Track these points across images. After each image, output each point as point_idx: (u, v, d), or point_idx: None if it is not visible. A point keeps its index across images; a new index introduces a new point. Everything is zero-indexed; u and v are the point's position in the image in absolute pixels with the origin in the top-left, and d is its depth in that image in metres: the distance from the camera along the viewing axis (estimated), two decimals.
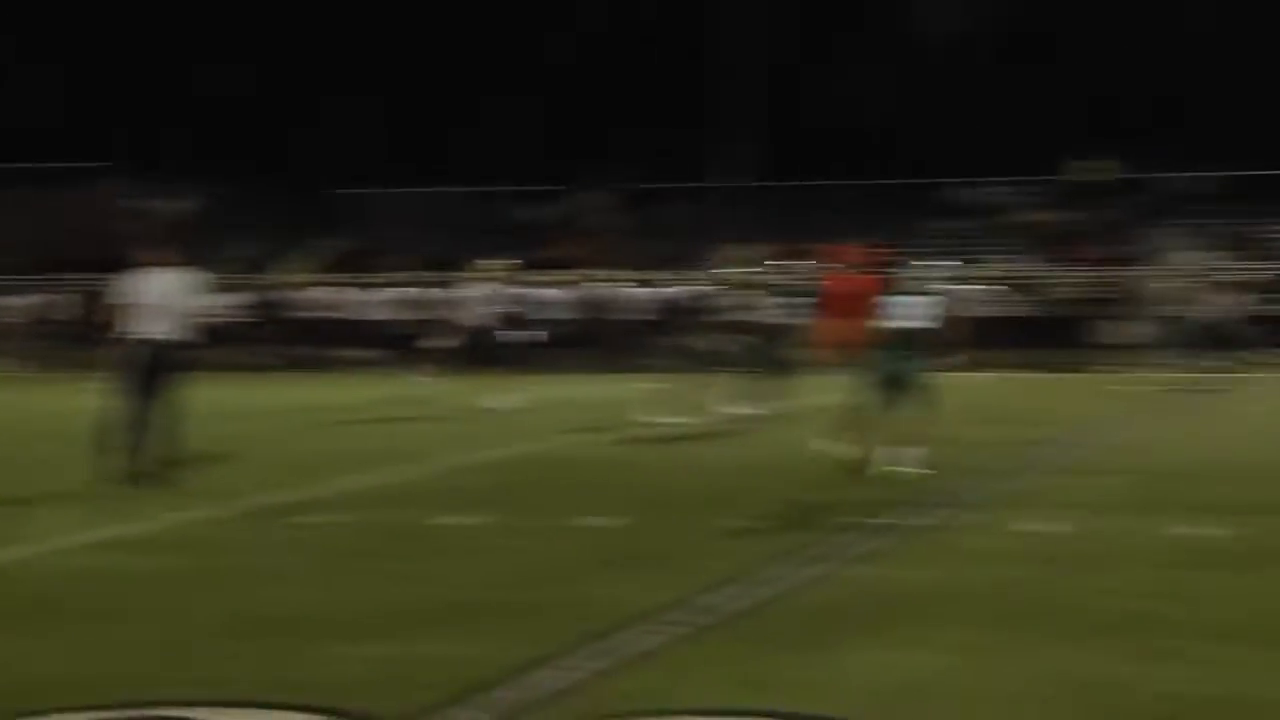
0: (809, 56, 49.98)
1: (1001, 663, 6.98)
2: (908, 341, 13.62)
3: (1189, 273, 35.78)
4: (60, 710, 6.20)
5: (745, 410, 19.59)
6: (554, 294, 36.04)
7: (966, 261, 35.74)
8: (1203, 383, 27.12)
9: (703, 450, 17.17)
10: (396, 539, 10.86)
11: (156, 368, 13.48)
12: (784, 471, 14.71)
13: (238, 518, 11.94)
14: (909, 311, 13.60)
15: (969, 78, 51.34)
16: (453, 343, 24.06)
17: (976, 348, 16.82)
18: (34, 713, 6.11)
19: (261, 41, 48.69)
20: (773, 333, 20.18)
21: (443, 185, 46.95)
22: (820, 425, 15.15)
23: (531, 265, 33.65)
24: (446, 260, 34.80)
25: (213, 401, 17.38)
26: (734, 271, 22.77)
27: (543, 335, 30.34)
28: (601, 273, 38.26)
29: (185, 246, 14.98)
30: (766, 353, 19.88)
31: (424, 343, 25.84)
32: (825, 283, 15.54)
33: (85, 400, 15.50)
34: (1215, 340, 31.57)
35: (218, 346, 23.58)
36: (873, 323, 13.74)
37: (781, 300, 21.21)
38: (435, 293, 31.16)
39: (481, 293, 24.33)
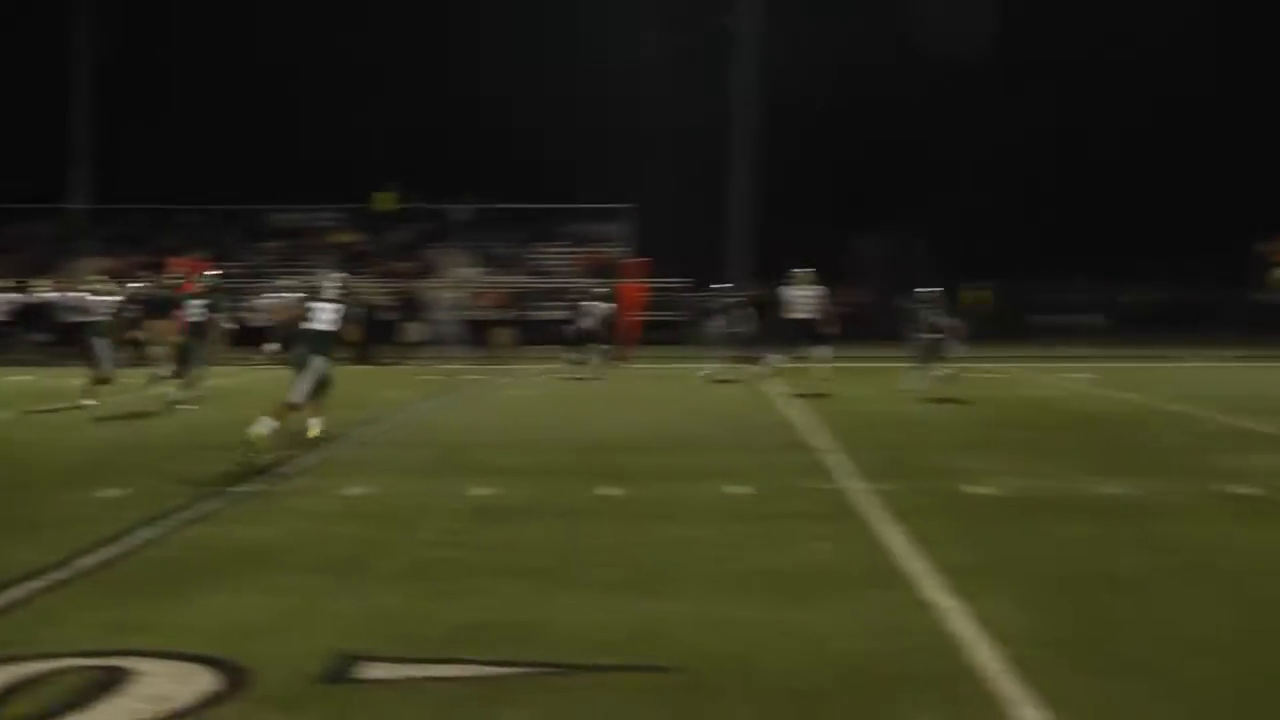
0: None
1: (327, 602, 8.31)
2: (321, 340, 16.09)
3: (461, 283, 42.47)
4: None
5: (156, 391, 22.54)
6: None
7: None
8: (475, 372, 31.57)
9: (94, 430, 18.93)
10: None
11: None
12: (163, 447, 16.34)
13: None
14: (323, 316, 16.06)
15: (291, 112, 57.61)
16: None
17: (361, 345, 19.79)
18: None
19: None
20: (196, 330, 23.13)
21: None
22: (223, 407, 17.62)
23: None
24: None
25: None
26: (98, 281, 25.32)
27: None
28: None
29: None
30: (194, 348, 22.98)
31: None
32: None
33: None
34: (476, 338, 37.54)
35: None
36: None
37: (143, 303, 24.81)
38: None
39: None
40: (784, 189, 58.54)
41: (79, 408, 21.59)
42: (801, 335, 26.65)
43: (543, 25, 60.81)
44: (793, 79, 58.12)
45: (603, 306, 33.22)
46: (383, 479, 13.59)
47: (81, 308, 23.98)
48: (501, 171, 57.44)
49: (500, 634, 7.60)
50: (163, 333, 23.69)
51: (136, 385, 23.25)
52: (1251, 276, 58.67)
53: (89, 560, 9.53)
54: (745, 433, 18.31)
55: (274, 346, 17.31)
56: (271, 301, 36.96)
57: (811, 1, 59.02)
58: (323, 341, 16.13)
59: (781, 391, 25.28)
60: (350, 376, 27.48)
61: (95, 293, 23.60)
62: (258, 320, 35.34)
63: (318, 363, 16.08)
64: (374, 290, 39.40)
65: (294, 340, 16.21)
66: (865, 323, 45.63)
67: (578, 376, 30.30)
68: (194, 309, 23.31)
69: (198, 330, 23.14)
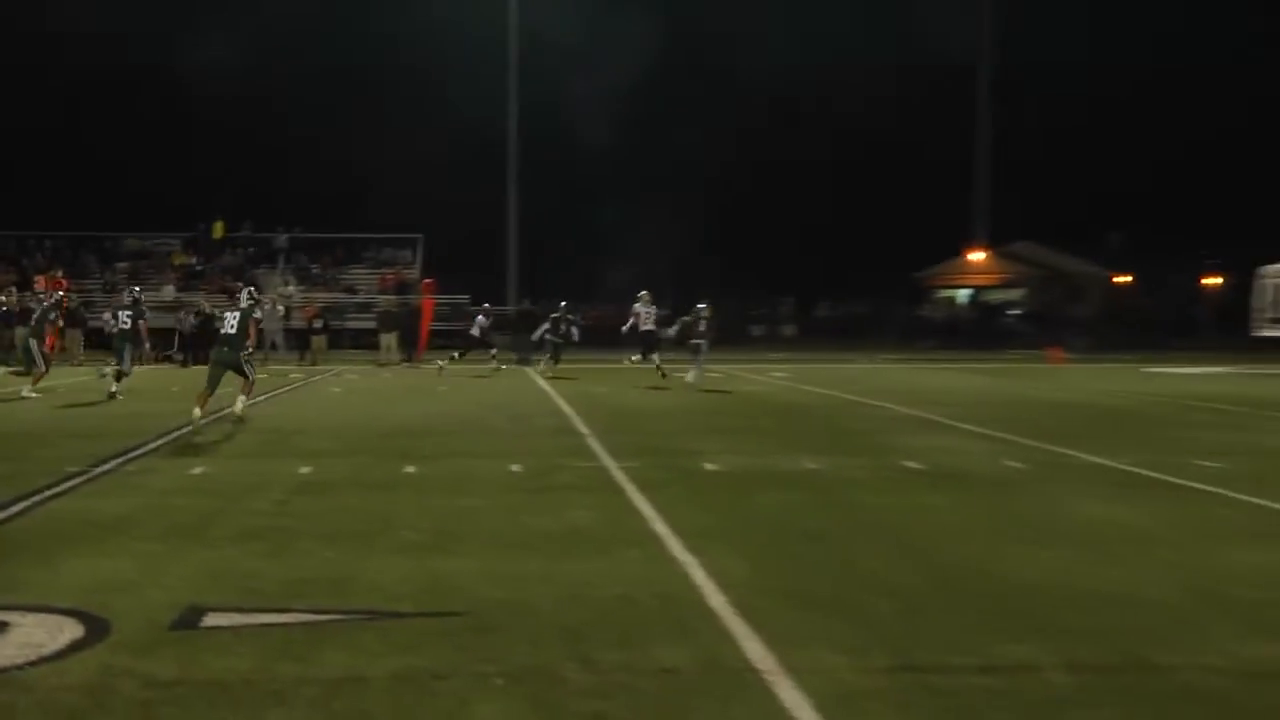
0: None
1: (175, 563, 8.14)
2: (228, 341, 16.88)
3: (283, 298, 41.68)
4: None
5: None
6: None
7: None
8: (297, 372, 31.06)
9: None
10: None
11: None
12: (28, 435, 15.71)
13: None
14: (231, 321, 17.00)
15: (135, 152, 56.85)
16: None
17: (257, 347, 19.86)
18: None
19: None
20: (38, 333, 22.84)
21: None
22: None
23: None
24: None
25: None
26: None
27: None
28: None
29: None
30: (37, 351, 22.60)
31: None
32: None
33: None
34: (297, 344, 37.05)
35: None
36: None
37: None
38: None
39: None
40: (551, 221, 58.97)
41: None
42: (647, 343, 27.82)
43: (348, 75, 60.27)
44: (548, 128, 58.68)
45: (484, 318, 33.15)
46: (221, 461, 13.32)
47: None
48: (316, 204, 57.18)
49: (321, 587, 7.52)
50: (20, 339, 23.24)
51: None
52: (910, 297, 60.74)
53: None
54: (523, 420, 18.32)
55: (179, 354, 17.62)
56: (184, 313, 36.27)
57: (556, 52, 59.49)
58: (232, 342, 16.86)
59: (568, 387, 25.35)
60: (192, 375, 26.89)
61: None
62: (110, 326, 34.24)
63: (229, 357, 16.70)
64: (210, 304, 38.45)
65: (211, 343, 17.15)
66: (611, 333, 45.97)
67: (481, 375, 30.05)
68: (49, 318, 22.87)
69: (39, 333, 22.61)
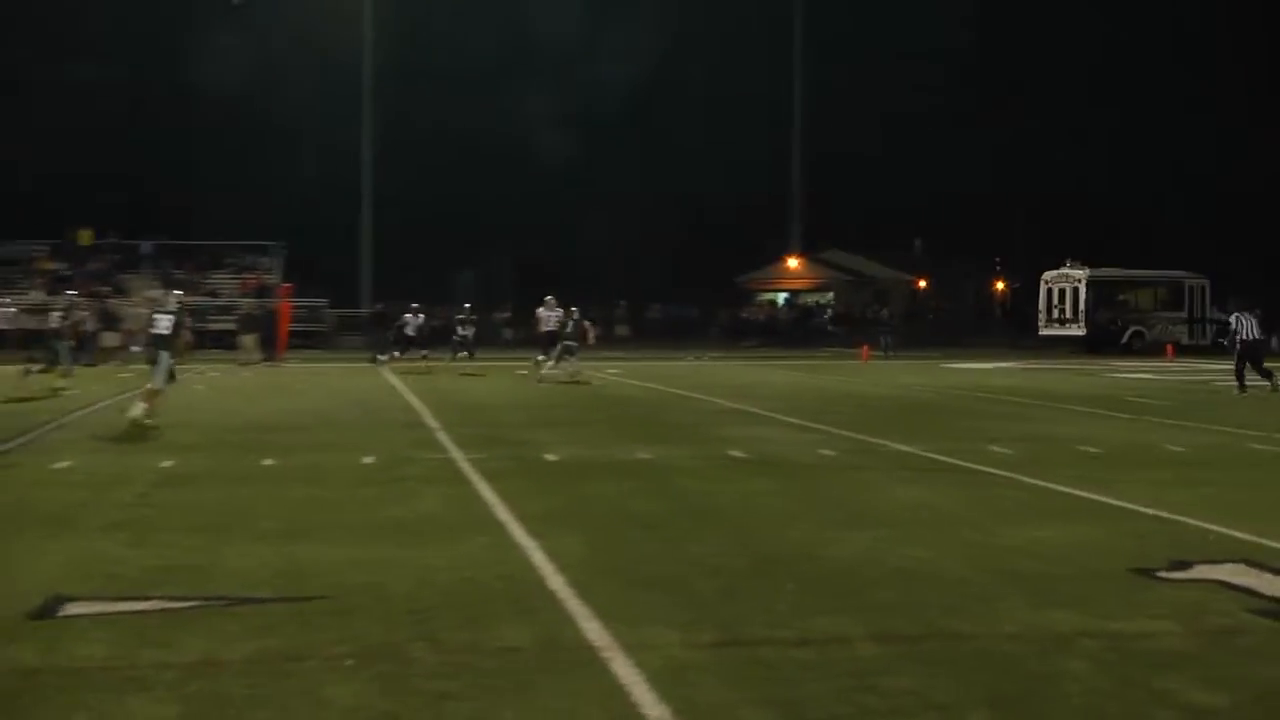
0: None
1: (39, 553, 7.78)
2: (162, 342, 16.14)
3: (148, 302, 39.22)
4: None
5: None
6: None
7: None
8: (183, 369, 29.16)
9: None
10: None
11: None
12: None
13: None
14: (161, 324, 16.26)
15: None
16: None
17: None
18: None
19: None
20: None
21: None
22: None
23: None
24: None
25: None
26: None
27: None
28: None
29: None
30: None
31: None
32: None
33: None
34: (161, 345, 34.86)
35: None
36: None
37: None
38: None
39: None
40: (403, 224, 58.42)
41: None
42: (548, 342, 27.95)
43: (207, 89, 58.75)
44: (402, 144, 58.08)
45: (417, 319, 32.61)
46: (86, 455, 12.84)
47: None
48: (180, 212, 55.67)
49: (181, 575, 7.28)
50: None
51: None
52: (733, 300, 61.41)
53: None
54: (375, 415, 18.09)
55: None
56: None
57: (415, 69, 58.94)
58: (164, 342, 16.16)
59: (440, 382, 25.04)
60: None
61: None
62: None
63: (164, 358, 16.03)
64: (79, 307, 37.17)
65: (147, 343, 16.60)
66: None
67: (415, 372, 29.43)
68: None
69: None
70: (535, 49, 67.84)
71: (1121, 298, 46.10)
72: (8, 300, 22.75)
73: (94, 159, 59.42)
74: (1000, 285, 73.38)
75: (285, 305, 40.21)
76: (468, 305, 32.19)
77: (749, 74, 67.47)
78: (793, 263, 65.49)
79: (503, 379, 27.66)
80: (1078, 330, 44.51)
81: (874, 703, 5.11)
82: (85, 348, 31.71)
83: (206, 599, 6.71)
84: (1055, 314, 45.65)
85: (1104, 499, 10.14)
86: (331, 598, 6.73)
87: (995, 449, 13.60)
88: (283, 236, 52.07)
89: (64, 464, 12.11)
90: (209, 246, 52.88)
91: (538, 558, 7.75)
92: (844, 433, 15.45)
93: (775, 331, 53.57)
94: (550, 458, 12.81)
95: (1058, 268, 46.03)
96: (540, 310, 29.19)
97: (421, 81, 62.68)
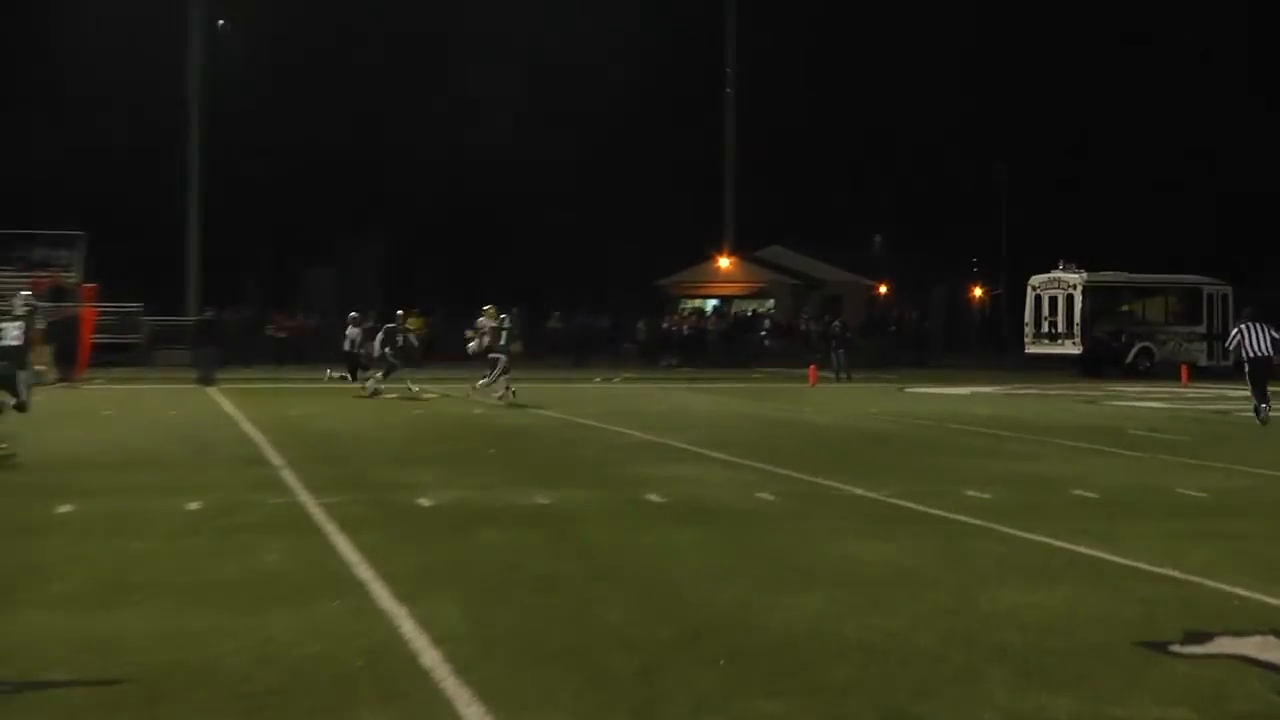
0: None
1: None
2: (8, 353, 16.73)
3: None
4: None
5: None
6: None
7: None
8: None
9: None
10: None
11: None
12: None
13: None
14: (11, 333, 16.79)
15: None
16: None
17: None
18: None
19: None
20: None
21: None
22: None
23: None
24: None
25: None
26: None
27: None
28: None
29: None
30: None
31: None
32: None
33: None
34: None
35: None
36: None
37: None
38: None
39: None
40: (232, 222, 57.90)
41: None
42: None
43: None
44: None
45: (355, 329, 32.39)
46: None
47: None
48: None
49: None
50: None
51: None
52: (652, 307, 61.60)
53: None
54: (203, 448, 17.89)
55: None
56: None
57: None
58: (12, 355, 16.77)
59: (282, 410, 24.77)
60: None
61: None
62: None
63: (8, 370, 16.64)
64: None
65: None
66: (313, 346, 45.39)
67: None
68: None
69: None
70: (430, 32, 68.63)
71: (1125, 308, 46.82)
72: None
73: None
74: (978, 292, 74.44)
75: (88, 311, 39.64)
76: (399, 313, 31.58)
77: (677, 33, 68.13)
78: (724, 262, 65.84)
79: (365, 404, 27.47)
80: (1072, 347, 45.15)
81: None
82: None
83: None
84: (1045, 327, 46.25)
85: (1104, 555, 10.28)
86: (145, 680, 6.62)
87: (972, 493, 13.73)
88: (84, 225, 51.14)
89: None
90: None
91: (408, 627, 7.70)
92: (787, 472, 15.52)
93: (702, 347, 53.76)
94: (424, 502, 12.75)
95: (1048, 270, 46.68)
96: (481, 322, 29.62)
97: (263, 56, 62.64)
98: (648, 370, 46.44)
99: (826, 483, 14.52)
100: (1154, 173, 72.77)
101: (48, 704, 6.27)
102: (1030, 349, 46.65)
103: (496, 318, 29.02)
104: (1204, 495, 13.96)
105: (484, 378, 28.27)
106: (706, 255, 66.72)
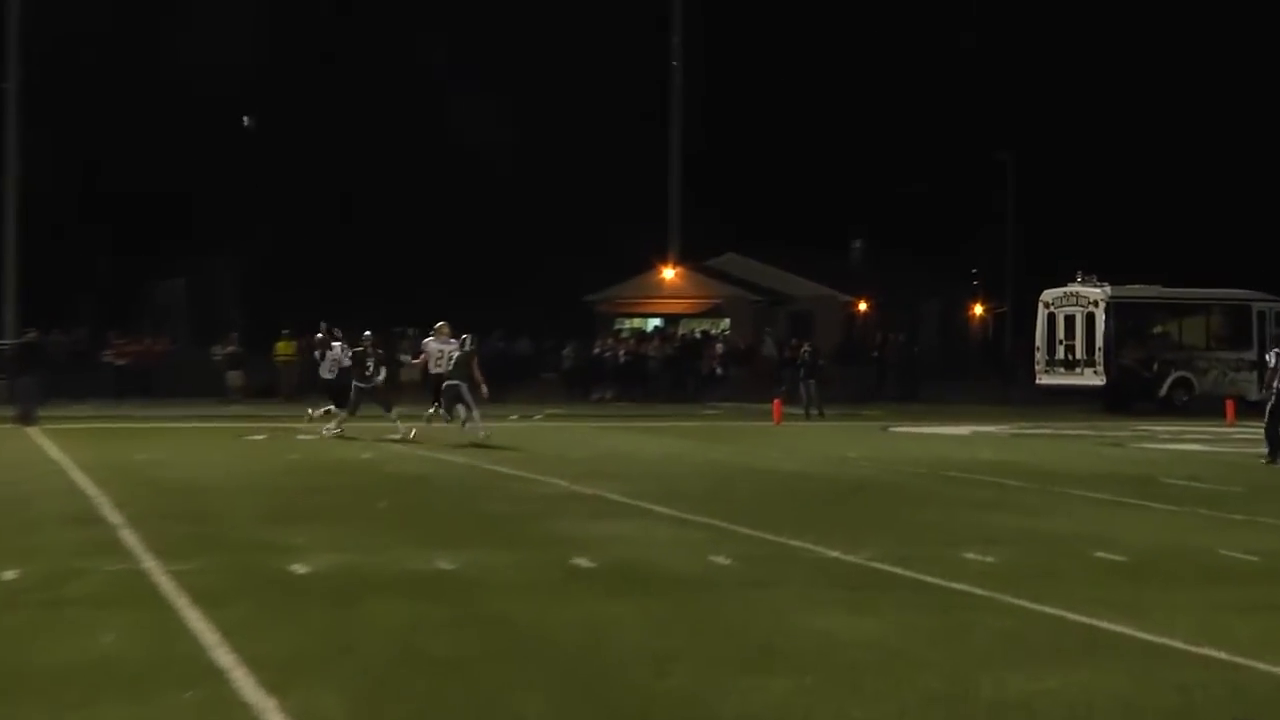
0: None
1: None
2: None
3: None
4: None
5: None
6: None
7: None
8: None
9: None
10: None
11: None
12: None
13: None
14: None
15: None
16: None
17: None
18: None
19: None
20: None
21: None
22: None
23: None
24: None
25: None
26: None
27: None
28: None
29: None
30: None
31: None
32: None
33: None
34: None
35: None
36: None
37: None
38: None
39: None
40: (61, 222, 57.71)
41: None
42: (439, 390, 28.92)
43: None
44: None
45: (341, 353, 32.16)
46: None
47: None
48: None
49: None
50: None
51: None
52: (582, 328, 61.59)
53: None
54: (22, 504, 17.73)
55: None
56: None
57: None
58: None
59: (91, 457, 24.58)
60: None
61: None
62: None
63: None
64: None
65: None
66: (164, 376, 45.15)
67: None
68: None
69: None
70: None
71: (1158, 329, 46.96)
72: None
73: None
74: (979, 309, 74.92)
75: None
76: (367, 334, 31.04)
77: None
78: (669, 273, 65.90)
79: (228, 446, 27.31)
80: (1093, 377, 45.28)
81: None
82: None
83: None
84: (1060, 353, 46.37)
85: (1131, 631, 10.34)
86: None
87: (971, 555, 13.78)
88: None
89: None
90: None
91: None
92: (746, 530, 15.54)
93: (642, 377, 53.76)
94: (300, 569, 12.68)
95: (1063, 284, 46.85)
96: (429, 343, 30.02)
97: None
98: (576, 405, 46.38)
99: (794, 543, 14.54)
100: (1193, 166, 73.49)
101: None
102: (1042, 379, 46.79)
103: (448, 339, 29.47)
104: (1253, 559, 14.07)
105: (444, 414, 28.64)
106: (647, 265, 66.74)
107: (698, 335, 62.15)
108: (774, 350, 56.73)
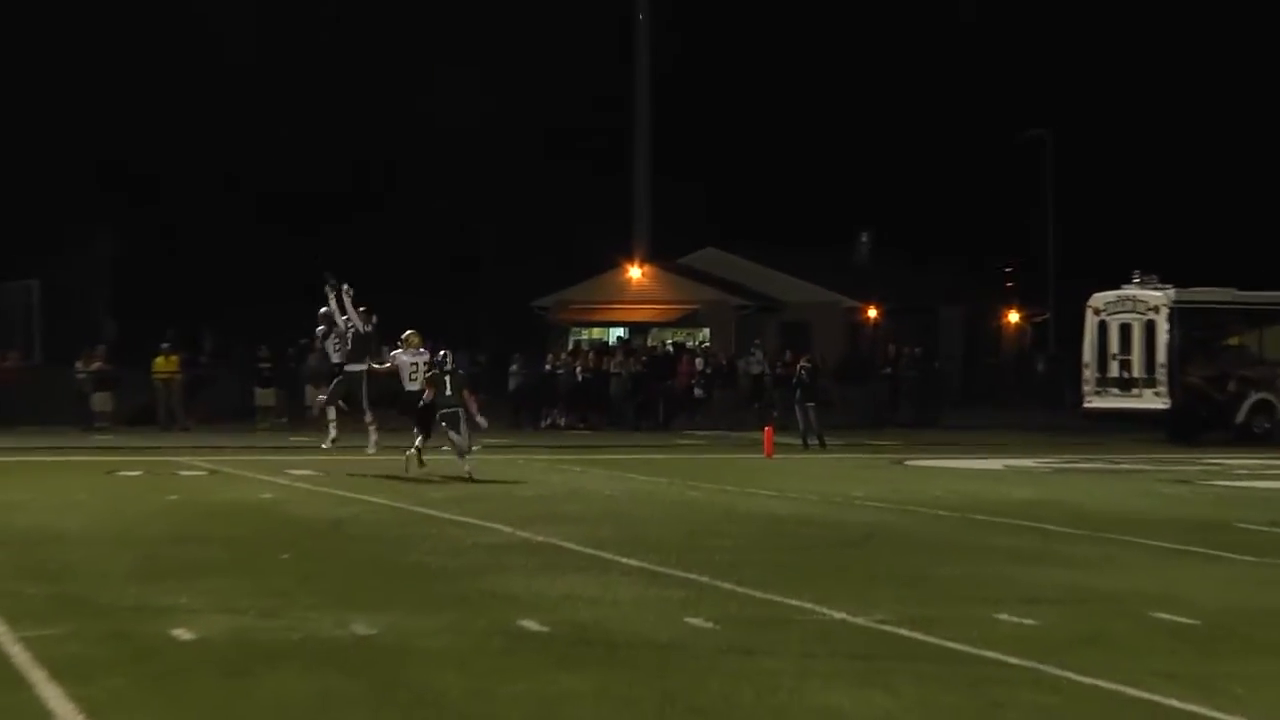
0: None
1: None
2: None
3: None
4: None
5: None
6: None
7: None
8: None
9: None
10: None
11: None
12: None
13: None
14: None
15: None
16: None
17: None
18: None
19: None
20: None
21: None
22: None
23: None
24: None
25: None
26: None
27: None
28: None
29: None
30: None
31: None
32: None
33: None
34: None
35: None
36: None
37: None
38: None
39: None
40: None
41: None
42: (418, 412, 29.19)
43: None
44: None
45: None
46: None
47: None
48: None
49: None
50: None
51: None
52: (527, 338, 61.71)
53: None
54: None
55: None
56: None
57: None
58: None
59: None
60: None
61: None
62: None
63: None
64: None
65: None
66: (13, 400, 45.01)
67: None
68: None
69: None
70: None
71: (1234, 341, 47.03)
72: None
73: None
74: (1013, 317, 75.08)
75: None
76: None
77: None
78: (635, 273, 66.01)
79: (95, 484, 27.24)
80: (1154, 400, 45.24)
81: None
82: None
83: None
84: (1113, 370, 46.37)
85: (1202, 710, 10.36)
86: None
87: (1005, 617, 13.81)
88: None
89: None
90: None
91: None
92: (728, 586, 15.56)
93: (603, 399, 53.81)
94: (184, 635, 12.65)
95: (1117, 286, 46.86)
96: (399, 355, 30.09)
97: None
98: (523, 433, 46.36)
99: (789, 602, 14.56)
100: (1265, 148, 73.86)
101: None
102: (1091, 402, 46.83)
103: (419, 351, 29.76)
104: None
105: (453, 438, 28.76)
106: (609, 263, 66.83)
107: (670, 348, 62.24)
108: (763, 367, 56.81)
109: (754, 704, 10.44)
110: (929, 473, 32.96)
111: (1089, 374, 46.61)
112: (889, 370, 57.57)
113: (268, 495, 25.69)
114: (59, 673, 11.08)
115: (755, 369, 56.79)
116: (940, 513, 23.94)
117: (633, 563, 17.37)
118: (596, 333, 67.27)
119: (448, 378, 28.57)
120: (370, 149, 70.23)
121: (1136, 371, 45.31)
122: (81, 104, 67.78)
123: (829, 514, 23.84)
